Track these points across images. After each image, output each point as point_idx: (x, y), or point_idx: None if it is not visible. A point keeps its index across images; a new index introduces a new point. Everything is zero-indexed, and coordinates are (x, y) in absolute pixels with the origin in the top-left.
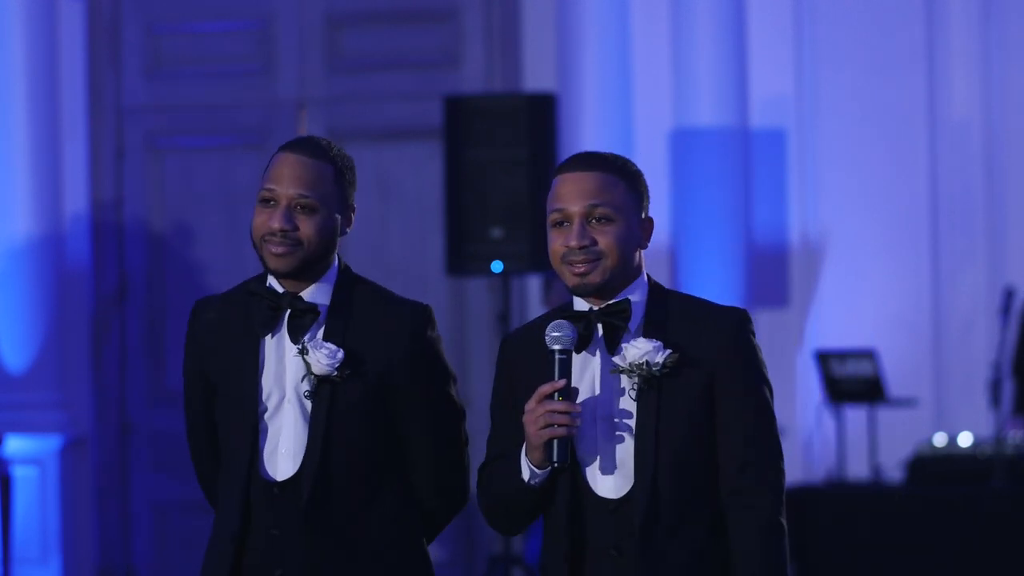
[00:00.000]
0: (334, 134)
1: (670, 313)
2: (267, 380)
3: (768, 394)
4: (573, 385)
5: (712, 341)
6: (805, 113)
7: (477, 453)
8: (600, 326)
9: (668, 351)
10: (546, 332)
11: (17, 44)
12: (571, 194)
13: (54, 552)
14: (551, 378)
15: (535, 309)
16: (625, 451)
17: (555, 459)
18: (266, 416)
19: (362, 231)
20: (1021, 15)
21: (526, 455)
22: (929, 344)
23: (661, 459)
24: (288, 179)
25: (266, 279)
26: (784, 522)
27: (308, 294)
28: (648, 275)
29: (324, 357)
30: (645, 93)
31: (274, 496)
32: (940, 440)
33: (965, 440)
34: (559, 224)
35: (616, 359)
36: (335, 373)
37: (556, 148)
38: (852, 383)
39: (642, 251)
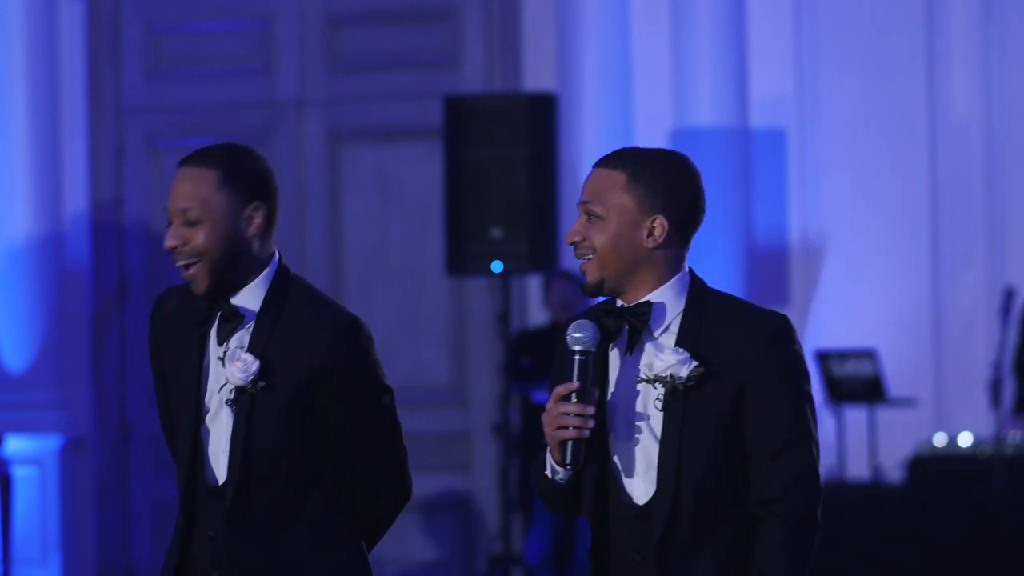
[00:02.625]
0: (334, 134)
1: (706, 317)
2: (210, 381)
3: (805, 404)
4: (596, 385)
5: (745, 350)
6: (805, 113)
7: (479, 453)
8: (627, 326)
9: (694, 363)
10: (568, 332)
11: (17, 44)
12: (583, 189)
13: (54, 552)
14: (570, 378)
15: (535, 309)
16: (651, 457)
17: (568, 460)
18: (208, 418)
19: (362, 231)
20: (1021, 15)
21: (548, 452)
22: (929, 344)
23: (685, 469)
24: (173, 194)
25: None
26: (816, 515)
27: (238, 299)
28: (693, 275)
29: (238, 370)
30: (645, 93)
31: (209, 499)
32: (940, 440)
33: (965, 440)
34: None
35: (643, 367)
36: (249, 386)
37: (556, 148)
38: (852, 383)
39: (676, 250)
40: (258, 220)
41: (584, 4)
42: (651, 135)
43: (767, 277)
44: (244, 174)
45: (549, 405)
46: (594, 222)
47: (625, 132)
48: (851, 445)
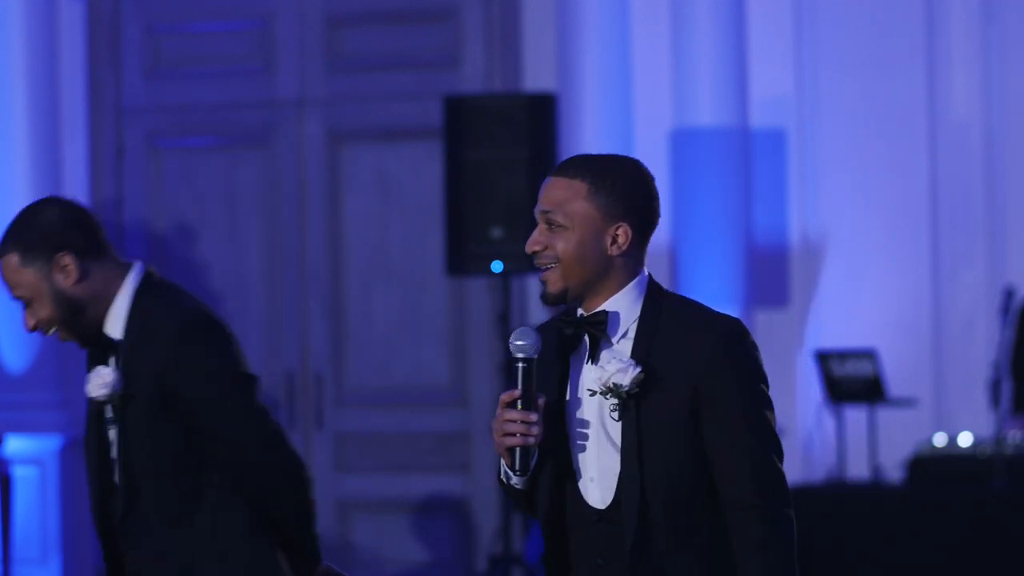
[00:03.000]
0: (334, 134)
1: (661, 322)
2: None
3: (763, 406)
4: (542, 392)
5: (696, 353)
6: (805, 113)
7: (479, 453)
8: (587, 335)
9: (637, 371)
10: (510, 340)
11: (17, 44)
12: (540, 198)
13: (54, 552)
14: (515, 386)
15: (535, 309)
16: (609, 463)
17: (516, 467)
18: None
19: (362, 231)
20: (1021, 15)
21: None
22: (929, 344)
23: (648, 476)
24: None
25: None
26: (790, 514)
27: (107, 328)
28: (651, 279)
29: (96, 387)
30: (645, 93)
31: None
32: (940, 440)
33: (965, 440)
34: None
35: (592, 380)
36: (110, 399)
37: (556, 148)
38: (852, 383)
39: (631, 257)
40: (65, 266)
41: (584, 4)
42: (651, 135)
43: (767, 277)
44: (49, 229)
45: (497, 412)
46: (556, 231)
47: (625, 132)
48: (851, 445)
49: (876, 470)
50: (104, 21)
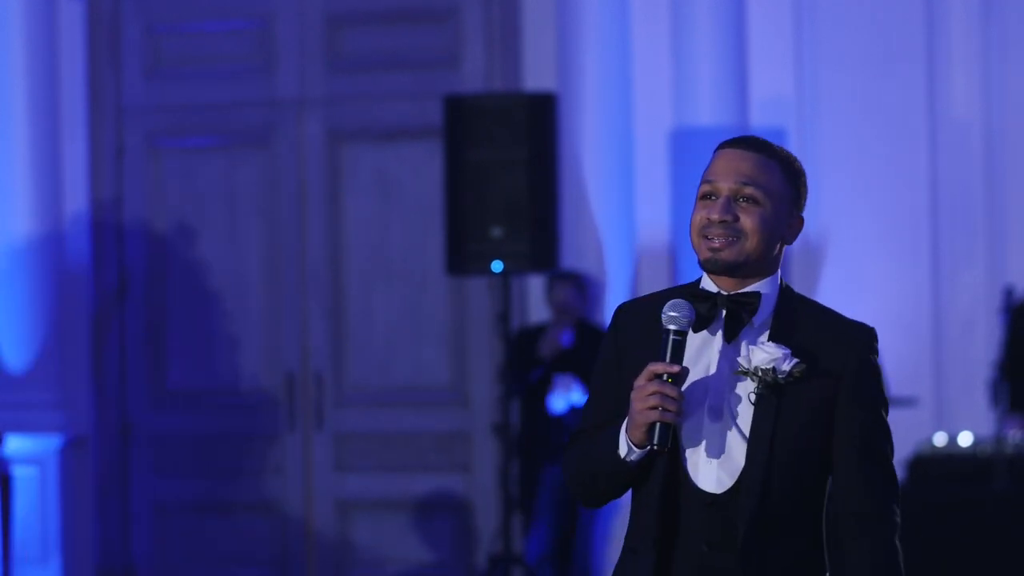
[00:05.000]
0: (334, 134)
1: (799, 318)
2: None
3: (886, 416)
4: (685, 367)
5: (840, 355)
6: (805, 113)
7: (479, 453)
8: (724, 312)
9: (796, 360)
10: (663, 310)
11: (17, 44)
12: (725, 170)
13: (54, 552)
14: (663, 357)
15: (535, 309)
16: (731, 448)
17: (655, 442)
18: None
19: (362, 231)
20: (1021, 15)
21: (626, 431)
22: (929, 344)
23: (772, 466)
24: None
25: None
26: (899, 546)
27: None
28: (782, 277)
29: None
30: (645, 93)
31: None
32: (940, 440)
33: (965, 440)
34: (706, 197)
35: (741, 359)
36: None
37: (556, 148)
38: None
39: (783, 249)
40: None
41: (584, 4)
42: (651, 135)
43: None
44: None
45: (640, 382)
46: (749, 204)
47: (625, 132)
48: None
49: None
50: (104, 21)
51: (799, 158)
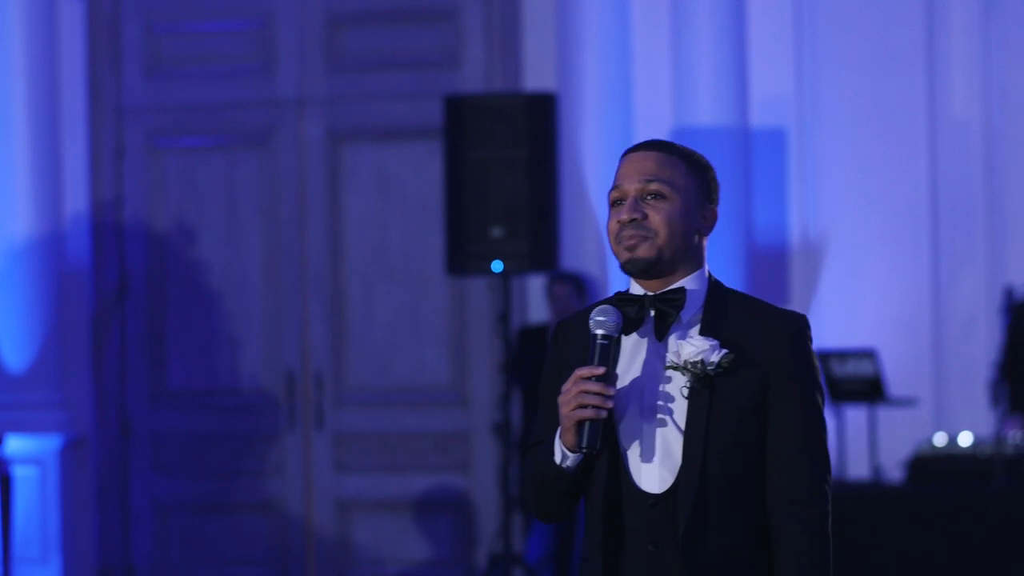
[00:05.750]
0: (334, 134)
1: (729, 310)
2: None
3: (821, 405)
4: (617, 371)
5: (770, 344)
6: (805, 113)
7: (479, 453)
8: (653, 312)
9: (724, 351)
10: (590, 317)
11: (17, 44)
12: (628, 172)
13: (54, 552)
14: (591, 362)
15: (535, 309)
16: (670, 446)
17: (584, 443)
18: None
19: (362, 231)
20: (1021, 15)
21: (559, 437)
22: (929, 344)
23: (710, 460)
24: None
25: None
26: (830, 533)
27: None
28: (709, 271)
29: None
30: (645, 93)
31: None
32: (940, 440)
33: (965, 440)
34: (616, 203)
35: (670, 355)
36: None
37: (556, 148)
38: (852, 383)
39: (703, 241)
40: None
41: (584, 4)
42: (651, 135)
43: (767, 277)
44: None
45: (567, 386)
46: (654, 202)
47: (625, 132)
48: (851, 445)
49: (876, 470)
50: (104, 21)
51: (799, 158)
